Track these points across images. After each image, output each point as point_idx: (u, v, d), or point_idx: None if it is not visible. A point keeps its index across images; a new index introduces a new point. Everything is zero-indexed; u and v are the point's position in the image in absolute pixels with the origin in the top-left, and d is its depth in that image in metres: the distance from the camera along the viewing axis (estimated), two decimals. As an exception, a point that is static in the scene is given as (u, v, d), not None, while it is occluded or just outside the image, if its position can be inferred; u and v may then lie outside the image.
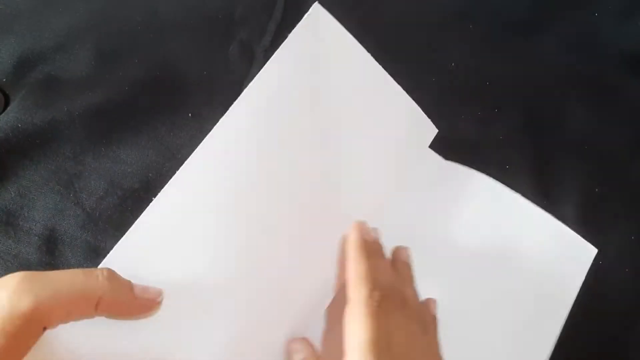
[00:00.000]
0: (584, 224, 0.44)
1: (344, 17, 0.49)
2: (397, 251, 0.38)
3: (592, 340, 0.42)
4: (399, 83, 0.48)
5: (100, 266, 0.33)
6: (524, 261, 0.41)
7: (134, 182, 0.43)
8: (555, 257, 0.42)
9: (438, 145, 0.45)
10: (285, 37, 0.48)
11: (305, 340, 0.35)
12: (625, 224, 0.45)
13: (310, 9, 0.40)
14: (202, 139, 0.35)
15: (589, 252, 0.42)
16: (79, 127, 0.44)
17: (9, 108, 0.44)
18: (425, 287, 0.36)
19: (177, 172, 0.35)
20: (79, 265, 0.40)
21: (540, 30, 0.50)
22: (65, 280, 0.28)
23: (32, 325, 0.26)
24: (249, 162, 0.35)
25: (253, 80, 0.36)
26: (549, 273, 0.41)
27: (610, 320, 0.42)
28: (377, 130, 0.40)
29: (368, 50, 0.48)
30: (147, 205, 0.37)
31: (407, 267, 0.37)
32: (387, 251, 0.37)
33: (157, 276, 0.33)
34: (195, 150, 0.35)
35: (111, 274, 0.30)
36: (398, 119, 0.41)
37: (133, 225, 0.34)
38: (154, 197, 0.41)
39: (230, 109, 0.35)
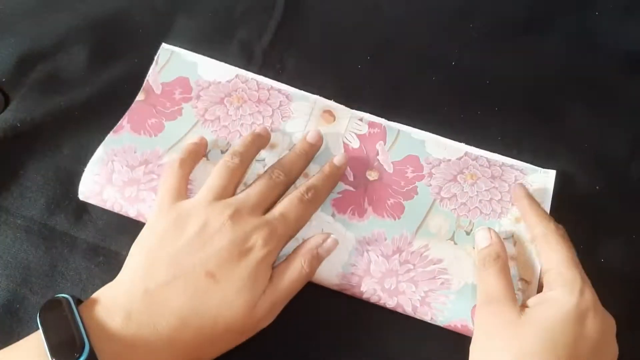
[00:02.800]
0: (585, 223, 0.44)
1: (344, 16, 0.50)
2: None
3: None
4: (399, 81, 0.48)
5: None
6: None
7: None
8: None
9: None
10: (285, 38, 0.48)
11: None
12: (626, 223, 0.45)
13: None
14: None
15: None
16: (78, 126, 0.44)
17: (8, 107, 0.44)
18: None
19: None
20: (79, 264, 0.40)
21: (540, 29, 0.50)
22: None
23: None
24: None
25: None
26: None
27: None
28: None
29: (368, 49, 0.48)
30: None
31: None
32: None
33: None
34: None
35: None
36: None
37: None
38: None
39: None
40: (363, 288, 0.41)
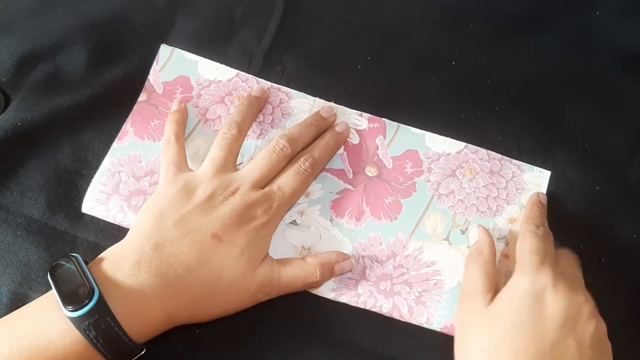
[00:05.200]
0: (585, 223, 0.44)
1: (344, 17, 0.50)
2: None
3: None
4: (399, 82, 0.48)
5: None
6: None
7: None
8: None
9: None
10: (285, 39, 0.48)
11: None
12: (626, 223, 0.45)
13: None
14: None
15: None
16: (78, 126, 0.44)
17: (9, 107, 0.44)
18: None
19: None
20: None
21: (540, 29, 0.50)
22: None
23: None
24: None
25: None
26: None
27: (611, 320, 0.41)
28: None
29: (368, 50, 0.49)
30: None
31: None
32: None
33: None
34: None
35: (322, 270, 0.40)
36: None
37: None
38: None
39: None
40: (360, 290, 0.41)
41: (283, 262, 0.40)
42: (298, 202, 0.43)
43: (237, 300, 0.38)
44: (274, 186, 0.40)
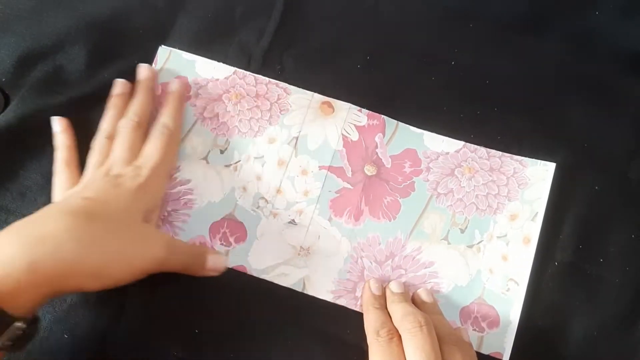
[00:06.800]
0: (585, 223, 0.44)
1: (344, 17, 0.50)
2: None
3: (593, 341, 0.41)
4: (399, 82, 0.48)
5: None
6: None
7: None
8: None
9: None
10: (284, 38, 0.48)
11: None
12: (625, 223, 0.45)
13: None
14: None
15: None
16: (79, 126, 0.44)
17: (8, 107, 0.44)
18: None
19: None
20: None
21: (540, 29, 0.50)
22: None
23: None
24: None
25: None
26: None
27: (610, 321, 0.42)
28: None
29: (367, 50, 0.49)
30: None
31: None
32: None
33: None
34: None
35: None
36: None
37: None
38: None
39: None
40: (358, 293, 0.41)
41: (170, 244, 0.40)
42: (297, 201, 0.43)
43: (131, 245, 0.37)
44: (140, 157, 0.41)
